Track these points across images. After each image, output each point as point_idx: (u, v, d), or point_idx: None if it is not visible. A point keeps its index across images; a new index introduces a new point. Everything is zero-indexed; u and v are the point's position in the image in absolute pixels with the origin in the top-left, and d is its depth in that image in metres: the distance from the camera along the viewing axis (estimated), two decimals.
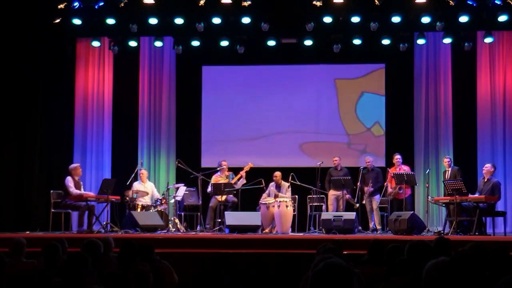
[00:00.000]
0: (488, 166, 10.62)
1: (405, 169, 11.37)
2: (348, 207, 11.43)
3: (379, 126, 12.90)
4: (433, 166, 12.24)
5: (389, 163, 12.04)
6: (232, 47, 12.24)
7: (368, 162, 11.60)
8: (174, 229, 10.88)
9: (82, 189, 11.04)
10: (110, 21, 11.70)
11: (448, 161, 11.15)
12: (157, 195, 11.66)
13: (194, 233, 10.87)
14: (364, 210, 11.50)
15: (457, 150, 12.22)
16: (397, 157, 11.43)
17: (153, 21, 11.66)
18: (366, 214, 11.53)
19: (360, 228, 11.08)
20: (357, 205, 11.25)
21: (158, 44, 12.46)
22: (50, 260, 5.01)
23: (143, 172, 11.79)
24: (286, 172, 11.49)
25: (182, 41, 12.35)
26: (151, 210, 11.17)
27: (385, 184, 11.29)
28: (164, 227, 10.77)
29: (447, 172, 11.10)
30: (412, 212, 10.58)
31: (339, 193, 11.45)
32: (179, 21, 11.62)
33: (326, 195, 11.70)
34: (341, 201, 11.44)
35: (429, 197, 11.20)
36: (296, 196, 11.61)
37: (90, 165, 12.64)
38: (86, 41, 12.74)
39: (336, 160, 11.71)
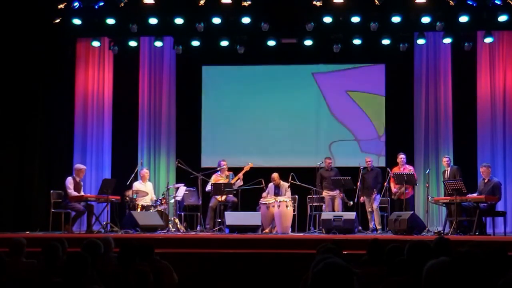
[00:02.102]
0: (483, 168, 10.60)
1: (410, 168, 11.37)
2: (345, 206, 11.43)
3: (379, 126, 12.89)
4: (433, 166, 12.24)
5: (389, 163, 12.05)
6: (232, 47, 12.24)
7: (368, 162, 11.59)
8: (174, 229, 10.88)
9: (82, 190, 11.04)
10: (110, 21, 11.71)
11: (447, 161, 11.14)
12: (154, 197, 11.63)
13: (194, 233, 10.87)
14: (364, 210, 11.50)
15: (457, 150, 12.22)
16: (401, 157, 11.43)
17: (153, 21, 11.66)
18: (366, 214, 11.52)
19: (360, 228, 11.08)
20: (351, 203, 11.26)
21: (158, 44, 12.46)
22: (50, 260, 5.01)
23: (146, 172, 11.78)
24: (286, 172, 11.49)
25: (182, 41, 12.35)
26: (151, 210, 11.17)
27: (385, 184, 11.28)
28: (164, 227, 10.77)
29: (446, 171, 11.10)
30: (412, 212, 10.58)
31: (333, 193, 11.45)
32: (179, 21, 11.62)
33: None
34: (336, 201, 11.44)
35: (429, 197, 11.20)
36: (296, 196, 11.61)
37: (90, 165, 12.62)
38: (86, 41, 12.74)
39: (330, 163, 11.70)
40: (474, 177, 11.58)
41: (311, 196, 11.64)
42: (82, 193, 10.94)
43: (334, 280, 2.58)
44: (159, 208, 11.24)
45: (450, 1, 10.99)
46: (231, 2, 11.37)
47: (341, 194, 11.44)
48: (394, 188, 11.30)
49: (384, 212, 11.56)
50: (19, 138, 11.95)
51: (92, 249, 5.02)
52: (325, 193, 11.50)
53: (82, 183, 11.18)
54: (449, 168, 11.06)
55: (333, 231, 10.20)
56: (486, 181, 10.49)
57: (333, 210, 11.30)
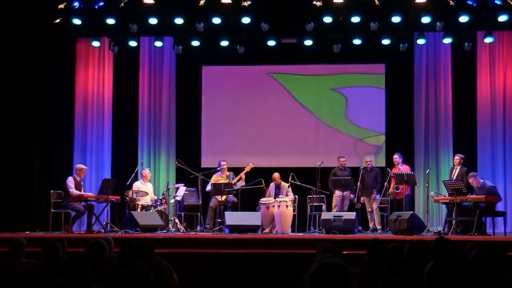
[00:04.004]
0: (471, 179, 10.47)
1: (405, 168, 11.36)
2: (351, 207, 11.43)
3: (379, 126, 12.89)
4: (433, 166, 12.23)
5: (389, 163, 12.05)
6: (232, 47, 12.24)
7: (368, 162, 11.60)
8: (174, 229, 10.88)
9: (82, 190, 11.03)
10: (110, 21, 11.71)
11: (459, 159, 11.03)
12: (153, 197, 11.63)
13: (194, 233, 10.87)
14: (364, 210, 11.50)
15: (457, 150, 12.18)
16: (395, 157, 11.46)
17: (153, 21, 11.66)
18: (366, 214, 11.53)
19: (360, 228, 11.08)
20: (359, 204, 11.27)
21: (158, 44, 12.46)
22: (50, 260, 5.01)
23: (148, 172, 11.77)
24: (286, 172, 11.49)
25: (182, 41, 12.35)
26: (151, 210, 11.17)
27: (385, 184, 11.28)
28: (164, 227, 10.77)
29: (455, 169, 11.03)
30: (412, 212, 10.59)
31: (344, 193, 11.43)
32: (179, 21, 11.62)
33: (327, 195, 11.69)
34: (345, 201, 11.44)
35: (432, 192, 11.14)
36: (296, 196, 11.60)
37: (90, 165, 12.61)
38: (86, 41, 12.74)
39: (344, 161, 11.71)
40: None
41: (311, 196, 11.64)
42: (82, 192, 10.94)
43: (331, 280, 2.57)
44: (159, 208, 11.24)
45: (450, 1, 10.99)
46: (231, 2, 11.37)
47: (351, 196, 11.44)
48: (391, 188, 11.31)
49: (384, 212, 11.56)
50: (19, 138, 11.95)
51: (97, 250, 5.01)
52: (337, 193, 11.48)
53: (82, 182, 11.18)
54: (459, 167, 11.01)
55: (333, 231, 10.20)
56: (479, 187, 10.43)
57: (341, 210, 11.28)
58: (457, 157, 11.16)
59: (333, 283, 2.57)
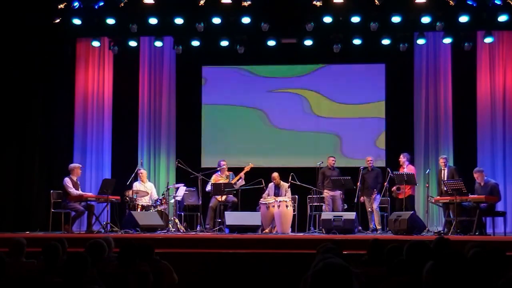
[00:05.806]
0: (477, 174, 10.55)
1: (409, 169, 11.35)
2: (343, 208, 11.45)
3: (379, 126, 12.88)
4: (433, 166, 12.22)
5: (389, 163, 12.05)
6: (232, 47, 12.24)
7: (369, 161, 11.58)
8: (174, 229, 10.88)
9: (80, 190, 11.02)
10: (110, 21, 11.71)
11: (444, 161, 11.11)
12: (155, 196, 11.65)
13: (194, 233, 10.88)
14: (364, 210, 11.50)
15: (457, 150, 12.22)
16: (400, 157, 11.43)
17: (153, 21, 11.66)
18: (366, 214, 11.52)
19: (360, 228, 11.08)
20: (345, 206, 11.28)
21: (158, 44, 12.46)
22: (50, 260, 5.01)
23: (143, 172, 11.77)
24: (286, 172, 11.49)
25: (182, 41, 12.35)
26: (151, 210, 11.17)
27: (385, 184, 11.28)
28: (164, 227, 10.78)
29: (443, 171, 11.06)
30: (412, 212, 10.58)
31: (333, 193, 11.44)
32: (179, 21, 11.63)
33: None
34: (337, 201, 11.44)
35: (429, 197, 11.18)
36: (296, 196, 11.61)
37: (90, 165, 12.64)
38: (86, 41, 12.74)
39: (333, 161, 11.70)
40: (473, 178, 11.56)
41: (311, 196, 11.64)
42: (80, 192, 10.92)
43: (333, 280, 2.58)
44: (159, 208, 11.24)
45: (450, 1, 10.99)
46: (231, 2, 11.38)
47: (342, 196, 11.45)
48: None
49: (384, 212, 11.56)
50: (19, 138, 11.94)
51: (97, 250, 5.01)
52: (326, 193, 11.49)
53: (79, 182, 11.15)
54: (446, 168, 11.04)
55: (333, 231, 10.20)
56: (482, 184, 10.46)
57: (334, 210, 11.29)
58: (442, 159, 11.18)
59: (336, 283, 2.58)
